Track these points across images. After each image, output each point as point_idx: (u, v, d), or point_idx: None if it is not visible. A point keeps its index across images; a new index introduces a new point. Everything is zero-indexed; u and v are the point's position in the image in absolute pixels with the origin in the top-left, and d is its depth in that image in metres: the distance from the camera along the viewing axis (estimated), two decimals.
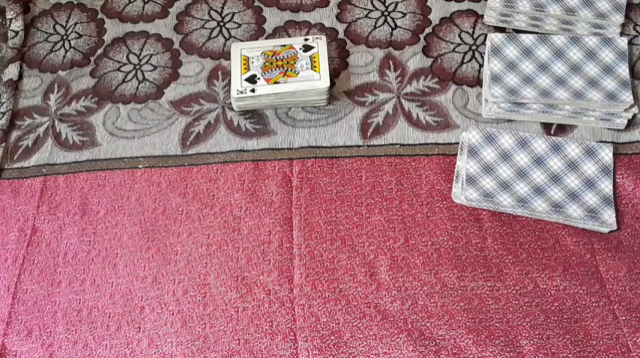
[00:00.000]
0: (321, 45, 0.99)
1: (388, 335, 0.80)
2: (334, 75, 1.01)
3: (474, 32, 1.05)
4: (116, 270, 0.87)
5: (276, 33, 1.07)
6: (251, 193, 0.91)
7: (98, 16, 1.12)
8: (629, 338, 0.78)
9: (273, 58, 0.98)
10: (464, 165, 0.90)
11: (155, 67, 1.05)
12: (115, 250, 0.88)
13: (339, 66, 1.02)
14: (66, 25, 1.11)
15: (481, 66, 1.01)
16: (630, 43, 1.00)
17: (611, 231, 0.85)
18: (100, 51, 1.07)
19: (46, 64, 1.07)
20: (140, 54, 1.06)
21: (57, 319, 0.84)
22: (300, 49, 0.99)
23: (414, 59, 1.02)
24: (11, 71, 1.05)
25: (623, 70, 0.95)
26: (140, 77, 1.04)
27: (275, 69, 0.97)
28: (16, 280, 0.87)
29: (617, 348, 0.77)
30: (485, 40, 1.02)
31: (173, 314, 0.83)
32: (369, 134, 0.96)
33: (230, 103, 0.99)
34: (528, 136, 0.91)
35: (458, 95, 0.99)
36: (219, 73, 1.03)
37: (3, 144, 0.98)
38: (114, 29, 1.10)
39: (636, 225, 0.86)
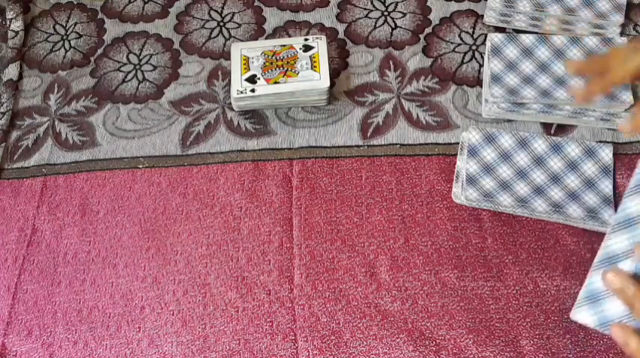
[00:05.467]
0: (321, 45, 0.99)
1: (388, 335, 0.80)
2: (334, 75, 1.01)
3: (474, 32, 1.05)
4: (116, 270, 0.87)
5: (276, 33, 1.07)
6: (251, 193, 0.91)
7: (98, 16, 1.12)
8: None
9: (273, 58, 0.98)
10: (464, 165, 0.90)
11: (155, 67, 1.05)
12: (115, 250, 0.88)
13: (339, 66, 1.02)
14: (66, 25, 1.11)
15: (481, 66, 1.01)
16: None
17: None
18: (100, 51, 1.07)
19: (46, 64, 1.07)
20: (140, 54, 1.07)
21: (57, 319, 0.84)
22: (300, 49, 0.99)
23: (414, 59, 1.03)
24: (11, 71, 1.05)
25: None
26: (140, 77, 1.04)
27: (275, 69, 0.97)
28: (16, 280, 0.87)
29: (617, 348, 0.77)
30: (485, 40, 1.02)
31: (173, 314, 0.83)
32: (369, 134, 0.96)
33: (230, 103, 0.99)
34: (528, 136, 0.91)
35: (458, 95, 0.99)
36: (219, 73, 1.03)
37: (3, 144, 0.98)
38: (114, 29, 1.10)
39: None
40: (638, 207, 0.57)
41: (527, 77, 0.95)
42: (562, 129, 0.94)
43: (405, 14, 1.08)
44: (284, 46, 1.00)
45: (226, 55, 1.05)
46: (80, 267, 0.87)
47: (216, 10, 1.11)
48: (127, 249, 0.88)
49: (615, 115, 0.92)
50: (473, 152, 0.90)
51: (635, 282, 0.54)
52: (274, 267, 0.85)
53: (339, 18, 1.08)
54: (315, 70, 0.96)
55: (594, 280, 0.58)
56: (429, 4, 1.08)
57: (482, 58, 1.01)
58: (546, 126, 0.95)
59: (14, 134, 1.00)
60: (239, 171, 0.93)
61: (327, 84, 0.95)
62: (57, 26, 1.11)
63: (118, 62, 1.06)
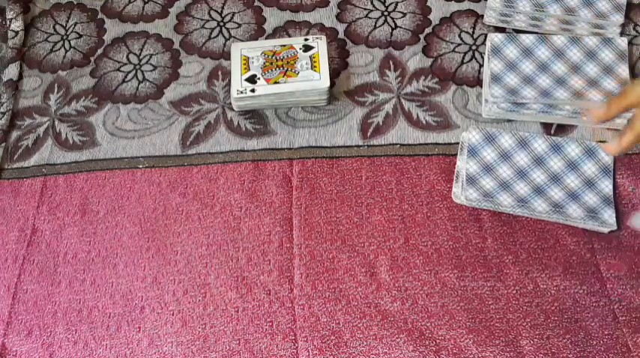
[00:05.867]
0: (321, 45, 0.99)
1: (388, 335, 0.80)
2: (334, 75, 1.01)
3: (474, 32, 1.05)
4: (116, 270, 0.87)
5: (276, 33, 1.07)
6: (251, 193, 0.91)
7: (98, 16, 1.12)
8: (629, 338, 0.78)
9: (273, 58, 0.98)
10: (464, 165, 0.90)
11: (155, 67, 1.05)
12: (115, 250, 0.88)
13: (339, 66, 1.02)
14: (66, 25, 1.11)
15: (481, 66, 1.01)
16: (630, 43, 1.00)
17: (611, 231, 0.85)
18: (100, 51, 1.07)
19: (46, 64, 1.07)
20: (140, 54, 1.07)
21: (57, 319, 0.84)
22: (300, 49, 0.99)
23: (414, 59, 1.02)
24: (11, 71, 1.05)
25: (623, 71, 0.95)
26: (140, 77, 1.04)
27: (275, 69, 0.97)
28: (16, 280, 0.87)
29: (617, 348, 0.77)
30: (485, 40, 1.02)
31: (173, 314, 0.83)
32: (369, 134, 0.96)
33: (230, 103, 0.99)
34: (528, 136, 0.91)
35: (458, 95, 0.99)
36: (219, 73, 1.03)
37: (3, 144, 0.98)
38: (114, 29, 1.10)
39: None
40: None
41: (527, 77, 0.95)
42: (562, 129, 0.94)
43: (405, 14, 1.08)
44: (284, 46, 1.00)
45: (226, 55, 1.05)
46: (80, 267, 0.87)
47: (216, 10, 1.11)
48: (127, 249, 0.88)
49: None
50: (473, 152, 0.90)
51: None
52: (274, 266, 0.85)
53: (339, 18, 1.08)
54: (315, 70, 0.96)
55: None
56: (429, 4, 1.08)
57: (482, 58, 1.01)
58: (546, 126, 0.95)
59: (14, 134, 0.99)
60: (239, 171, 0.93)
61: (327, 84, 0.95)
62: (57, 26, 1.11)
63: (118, 62, 1.06)
